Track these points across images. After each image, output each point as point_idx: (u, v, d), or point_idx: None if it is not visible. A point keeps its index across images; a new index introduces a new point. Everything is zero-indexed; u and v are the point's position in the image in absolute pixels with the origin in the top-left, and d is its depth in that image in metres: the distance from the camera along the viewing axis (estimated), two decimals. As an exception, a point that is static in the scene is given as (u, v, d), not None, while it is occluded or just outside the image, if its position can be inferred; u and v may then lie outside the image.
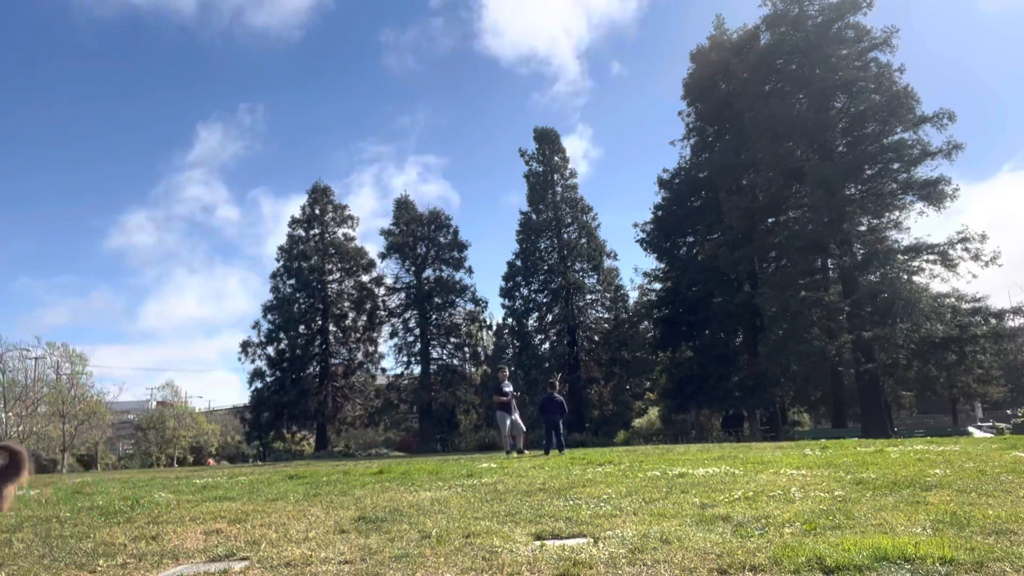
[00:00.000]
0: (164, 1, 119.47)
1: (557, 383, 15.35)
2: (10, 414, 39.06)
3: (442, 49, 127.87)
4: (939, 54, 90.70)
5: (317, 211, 48.15)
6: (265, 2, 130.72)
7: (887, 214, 32.70)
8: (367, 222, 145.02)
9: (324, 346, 46.03)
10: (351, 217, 49.16)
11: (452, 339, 47.24)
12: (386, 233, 48.09)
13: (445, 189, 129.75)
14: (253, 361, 45.21)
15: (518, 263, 44.32)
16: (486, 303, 48.00)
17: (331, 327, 46.71)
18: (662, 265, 42.77)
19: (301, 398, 43.81)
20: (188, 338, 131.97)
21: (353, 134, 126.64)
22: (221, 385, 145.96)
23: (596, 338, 44.15)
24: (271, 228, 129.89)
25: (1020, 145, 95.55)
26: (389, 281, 48.10)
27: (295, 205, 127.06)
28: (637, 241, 42.65)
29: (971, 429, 28.32)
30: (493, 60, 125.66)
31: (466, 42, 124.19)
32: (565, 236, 44.42)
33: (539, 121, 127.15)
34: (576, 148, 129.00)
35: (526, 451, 13.55)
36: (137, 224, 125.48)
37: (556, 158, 45.44)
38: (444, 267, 47.91)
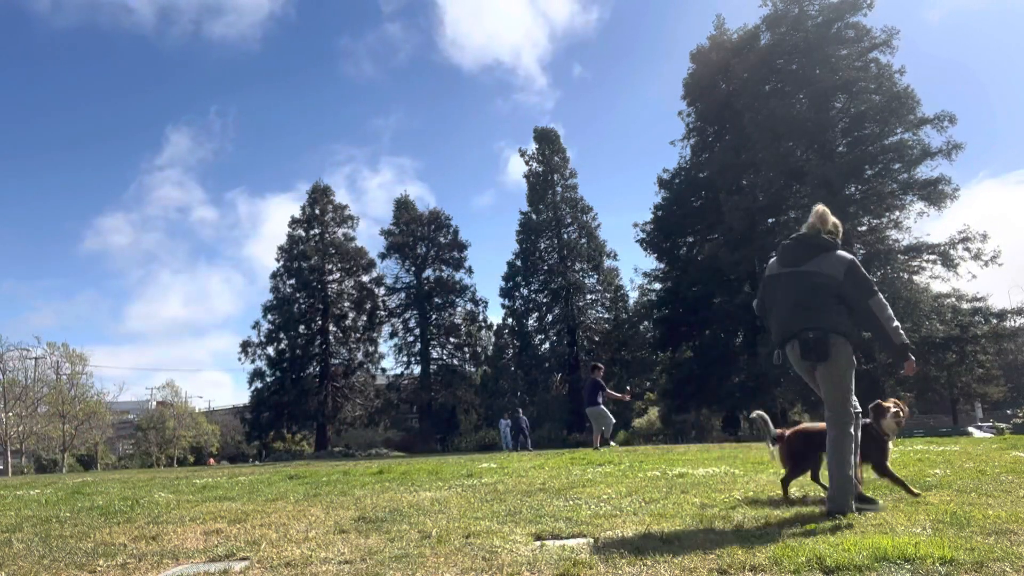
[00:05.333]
0: (122, 13, 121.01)
1: None
2: (10, 414, 39.03)
3: (407, 56, 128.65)
4: (916, 59, 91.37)
5: (317, 211, 48.17)
6: (223, 14, 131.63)
7: (887, 214, 32.72)
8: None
9: (324, 346, 46.03)
10: (351, 217, 49.28)
11: (452, 339, 47.27)
12: (386, 233, 48.16)
13: (423, 191, 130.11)
14: (253, 361, 45.32)
15: (518, 263, 44.32)
16: (486, 303, 48.09)
17: (331, 327, 46.73)
18: (662, 265, 42.72)
19: (301, 398, 43.82)
20: (176, 339, 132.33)
21: (325, 137, 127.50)
22: (214, 385, 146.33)
23: (596, 338, 44.14)
24: (249, 230, 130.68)
25: (997, 152, 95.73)
26: (389, 281, 48.21)
27: (273, 206, 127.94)
28: (637, 241, 42.63)
29: (971, 429, 28.29)
30: (456, 67, 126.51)
31: (430, 50, 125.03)
32: (565, 236, 44.42)
33: (509, 123, 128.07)
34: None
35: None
36: (114, 226, 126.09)
37: (556, 158, 45.46)
38: (444, 267, 47.97)
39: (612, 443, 13.38)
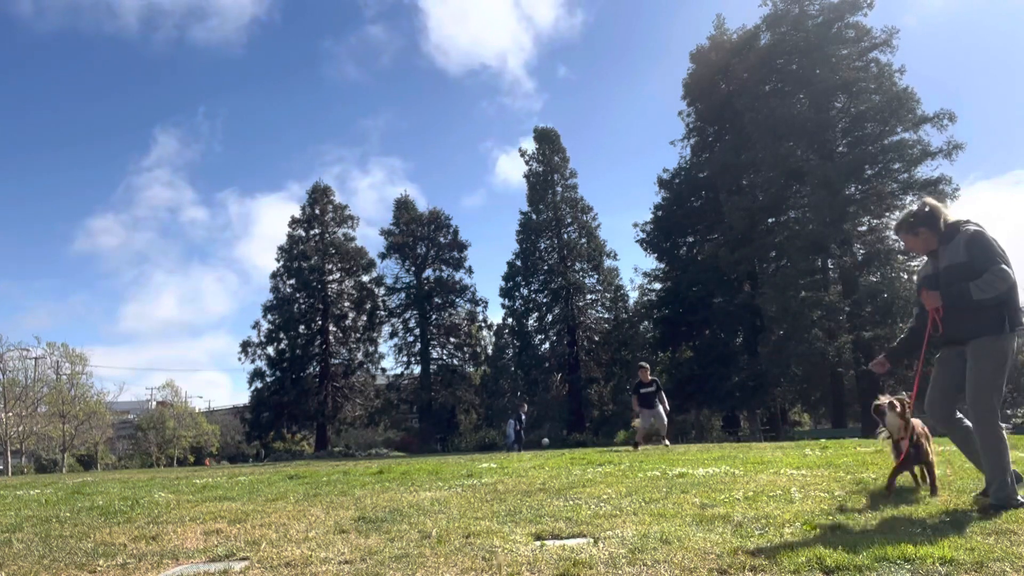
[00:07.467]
0: (105, 18, 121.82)
1: None
2: (10, 414, 39.01)
3: (391, 59, 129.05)
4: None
5: (317, 211, 48.14)
6: (206, 18, 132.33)
7: (887, 214, 32.74)
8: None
9: (324, 346, 46.02)
10: (351, 217, 49.25)
11: (452, 339, 47.23)
12: (386, 233, 48.13)
13: (414, 192, 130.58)
14: (253, 361, 45.28)
15: (518, 263, 44.28)
16: (486, 303, 48.04)
17: (331, 327, 46.71)
18: (662, 265, 42.73)
19: (301, 398, 43.81)
20: (172, 339, 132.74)
21: (314, 138, 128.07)
22: (212, 386, 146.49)
23: (596, 338, 44.11)
24: (240, 231, 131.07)
25: (989, 154, 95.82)
26: (389, 281, 48.16)
27: (264, 206, 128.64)
28: (637, 241, 42.67)
29: (971, 429, 28.32)
30: (441, 70, 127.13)
31: (414, 53, 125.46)
32: (565, 236, 44.39)
33: (497, 125, 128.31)
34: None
35: (667, 441, 13.89)
36: (105, 227, 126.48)
37: (556, 158, 45.38)
38: (444, 267, 47.94)
39: (666, 442, 13.84)
